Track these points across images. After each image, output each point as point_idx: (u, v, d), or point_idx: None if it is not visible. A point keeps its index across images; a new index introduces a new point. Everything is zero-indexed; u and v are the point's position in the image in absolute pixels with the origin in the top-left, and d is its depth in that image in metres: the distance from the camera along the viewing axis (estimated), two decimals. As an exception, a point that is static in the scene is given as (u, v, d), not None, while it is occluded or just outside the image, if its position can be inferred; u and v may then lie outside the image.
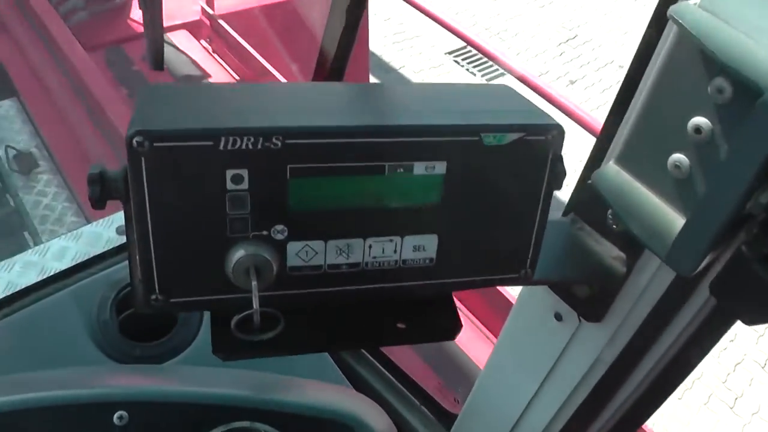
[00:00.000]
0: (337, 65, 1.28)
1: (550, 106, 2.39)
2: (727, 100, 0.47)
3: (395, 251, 0.55)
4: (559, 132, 0.55)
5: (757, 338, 3.54)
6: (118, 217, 1.32)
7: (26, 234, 2.68)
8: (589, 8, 6.03)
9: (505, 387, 1.08)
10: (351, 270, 0.54)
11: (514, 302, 1.71)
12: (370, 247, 0.54)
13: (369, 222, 0.53)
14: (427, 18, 3.10)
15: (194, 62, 3.48)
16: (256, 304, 0.47)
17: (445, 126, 0.52)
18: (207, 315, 1.12)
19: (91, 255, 1.24)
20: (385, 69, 5.05)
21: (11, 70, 3.41)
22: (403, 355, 1.55)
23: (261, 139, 0.48)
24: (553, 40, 5.63)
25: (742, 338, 3.57)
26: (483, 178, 0.55)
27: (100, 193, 0.52)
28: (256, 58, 3.38)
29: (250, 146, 0.48)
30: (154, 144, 0.47)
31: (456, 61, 5.22)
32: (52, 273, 1.21)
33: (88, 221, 1.49)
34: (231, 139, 0.48)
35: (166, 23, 1.76)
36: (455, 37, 3.03)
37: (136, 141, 0.47)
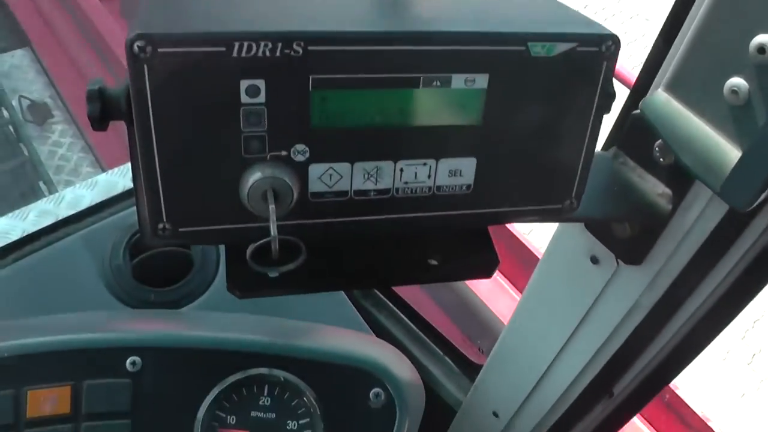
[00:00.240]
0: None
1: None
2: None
3: (429, 176, 0.49)
4: (615, 43, 0.49)
5: (776, 295, 3.48)
6: (134, 166, 1.28)
7: (41, 183, 2.65)
8: (613, -43, 5.86)
9: (534, 335, 1.03)
10: (380, 197, 0.49)
11: (538, 255, 1.67)
12: (401, 171, 0.48)
13: (401, 143, 0.47)
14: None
15: None
16: (273, 230, 0.42)
17: (488, 33, 0.46)
18: (224, 259, 1.08)
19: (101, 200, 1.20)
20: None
21: (22, 20, 3.34)
22: (421, 304, 1.51)
23: (280, 45, 0.43)
24: (577, -9, 5.47)
25: (760, 294, 3.49)
26: (528, 94, 0.49)
27: (101, 112, 0.46)
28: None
29: (268, 53, 0.43)
30: (158, 50, 0.41)
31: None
32: (67, 223, 1.17)
33: (104, 171, 1.45)
34: (246, 44, 0.42)
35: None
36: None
37: (138, 46, 0.41)
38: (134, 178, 0.49)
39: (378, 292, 1.44)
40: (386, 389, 0.80)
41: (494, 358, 1.14)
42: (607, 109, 0.53)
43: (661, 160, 0.68)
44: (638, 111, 0.66)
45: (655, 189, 0.70)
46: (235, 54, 0.42)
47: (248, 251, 0.43)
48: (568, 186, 0.54)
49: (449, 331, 1.56)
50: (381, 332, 1.33)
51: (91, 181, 1.28)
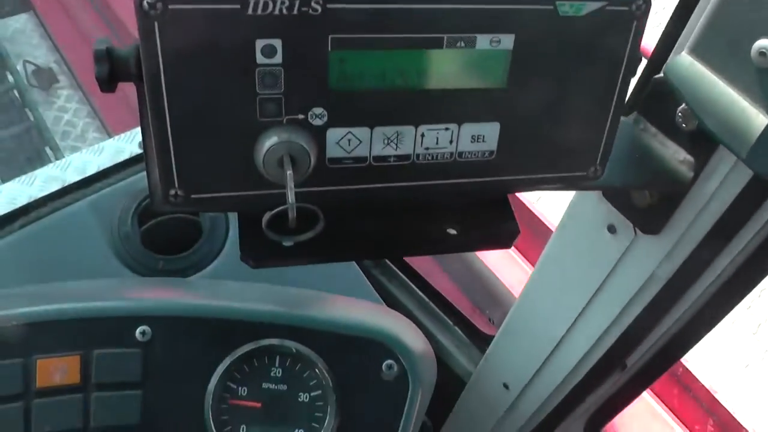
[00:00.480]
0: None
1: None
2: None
3: (451, 142, 0.47)
4: (645, 2, 0.47)
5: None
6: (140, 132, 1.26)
7: (47, 149, 2.63)
8: None
9: (547, 306, 1.02)
10: (400, 163, 0.47)
11: (546, 223, 1.64)
12: (422, 135, 0.46)
13: (422, 106, 0.45)
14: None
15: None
16: (291, 197, 0.40)
17: (515, -9, 0.44)
18: (234, 227, 1.06)
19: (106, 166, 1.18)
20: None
21: (25, -18, 3.30)
22: (430, 273, 1.49)
23: (298, 2, 0.40)
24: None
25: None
26: (554, 55, 0.46)
27: (109, 73, 0.44)
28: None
29: (285, 11, 0.40)
30: (169, 6, 0.39)
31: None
32: (71, 186, 1.15)
33: (111, 137, 1.43)
34: (262, 1, 0.40)
35: None
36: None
37: (147, 2, 0.39)
38: (144, 143, 0.48)
39: (388, 262, 1.43)
40: (399, 361, 0.79)
41: (506, 329, 1.13)
42: (632, 72, 0.51)
43: (684, 125, 0.66)
44: (660, 75, 0.64)
45: (677, 156, 0.68)
46: (250, 11, 0.40)
47: (264, 219, 0.42)
48: (593, 152, 0.52)
49: (458, 302, 1.55)
50: (391, 302, 1.32)
51: (97, 146, 1.26)
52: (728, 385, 3.14)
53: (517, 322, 1.09)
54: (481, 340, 1.32)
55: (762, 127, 0.49)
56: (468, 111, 0.47)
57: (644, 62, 0.69)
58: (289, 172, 0.40)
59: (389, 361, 0.79)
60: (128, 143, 1.27)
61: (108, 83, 0.45)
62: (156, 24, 0.39)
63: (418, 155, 0.47)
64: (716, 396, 1.84)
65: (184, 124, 0.43)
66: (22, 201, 1.11)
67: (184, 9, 0.39)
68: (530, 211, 2.12)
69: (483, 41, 0.44)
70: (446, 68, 0.44)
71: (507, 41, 0.45)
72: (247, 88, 0.42)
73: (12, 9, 3.22)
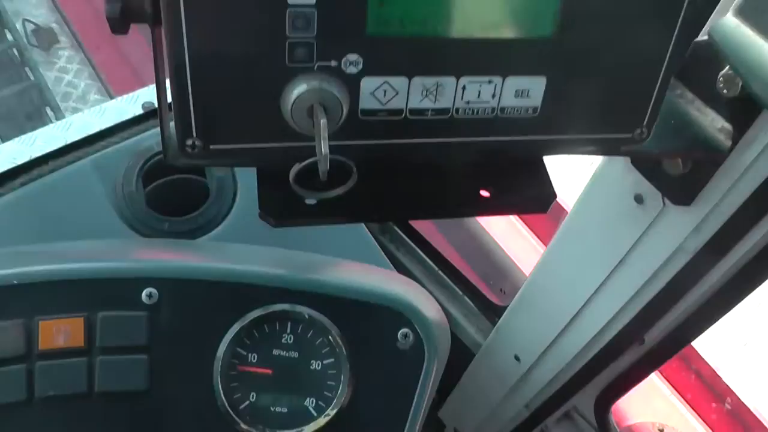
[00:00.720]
0: None
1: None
2: None
3: (493, 96, 0.43)
4: None
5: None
6: (144, 93, 1.22)
7: (48, 109, 2.58)
8: None
9: (566, 277, 0.99)
10: (438, 117, 0.43)
11: (565, 207, 1.60)
12: (463, 88, 0.43)
13: (465, 56, 0.42)
14: None
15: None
16: (324, 147, 0.36)
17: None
18: (243, 189, 1.03)
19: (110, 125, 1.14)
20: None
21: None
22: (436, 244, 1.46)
23: (335, -64, 0.37)
24: None
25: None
26: (606, 3, 0.43)
27: (121, 12, 0.40)
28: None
29: (320, -55, 0.37)
30: (194, -66, 0.35)
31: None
32: (74, 147, 1.12)
33: (113, 99, 1.39)
34: (295, -67, 0.36)
35: None
36: None
37: (169, -71, 0.35)
38: (158, 89, 0.44)
39: (396, 228, 1.39)
40: (415, 330, 0.76)
41: (520, 299, 1.10)
42: (694, 25, 0.48)
43: (725, 92, 0.63)
44: (701, 39, 0.61)
45: (715, 123, 0.65)
46: (283, -57, 0.36)
47: (291, 173, 0.38)
48: (640, 113, 0.49)
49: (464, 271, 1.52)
50: (398, 269, 1.29)
51: (100, 107, 1.23)
52: (728, 363, 3.13)
53: (533, 293, 1.06)
54: (491, 311, 1.29)
55: None
56: (513, 63, 0.43)
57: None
58: (323, 121, 0.37)
59: (405, 330, 0.76)
60: (131, 105, 1.23)
61: (120, 24, 0.41)
62: (177, -45, 0.36)
63: (457, 109, 0.44)
64: (719, 373, 1.82)
65: (205, 67, 0.39)
66: (22, 161, 1.08)
67: (209, -62, 0.36)
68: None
69: (532, -15, 0.40)
70: (492, 15, 0.41)
71: (557, -15, 0.41)
72: (277, 31, 0.38)
73: (10, -35, 3.15)
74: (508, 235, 2.13)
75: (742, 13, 0.53)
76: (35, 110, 2.57)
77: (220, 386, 0.71)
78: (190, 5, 0.37)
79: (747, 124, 0.63)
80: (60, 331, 0.70)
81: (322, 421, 0.73)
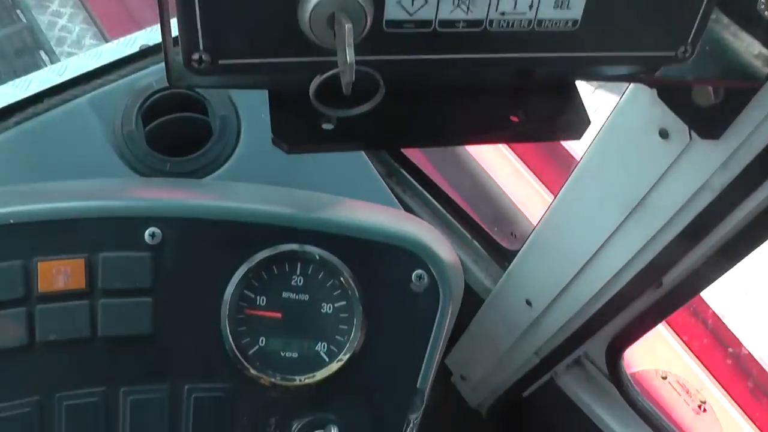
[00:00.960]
0: None
1: None
2: None
3: (531, 6, 0.39)
4: None
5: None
6: (141, 36, 1.17)
7: (41, 53, 2.52)
8: None
9: (582, 218, 0.96)
10: (470, 30, 0.39)
11: (574, 154, 1.55)
12: (498, -3, 0.38)
13: (501, -42, 0.37)
14: None
15: None
16: (350, 55, 0.32)
17: None
18: (246, 128, 0.99)
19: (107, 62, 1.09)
20: None
21: None
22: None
23: None
24: None
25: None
26: None
27: None
28: None
29: None
30: None
31: None
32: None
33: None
34: None
35: None
36: None
37: None
38: (160, 6, 0.39)
39: (403, 170, 1.35)
40: (429, 272, 0.73)
41: (533, 242, 1.07)
42: None
43: (766, 13, 0.59)
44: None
45: (751, 49, 0.61)
46: None
47: (312, 85, 0.34)
48: (686, 28, 0.45)
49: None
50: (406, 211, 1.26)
51: (96, 50, 1.18)
52: (730, 311, 3.13)
53: (547, 235, 1.03)
54: (501, 256, 1.26)
55: None
56: (553, -32, 0.39)
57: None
58: (348, 26, 0.33)
59: (419, 272, 0.73)
60: (128, 47, 1.18)
61: None
62: None
63: (491, 21, 0.39)
64: (724, 320, 1.80)
65: None
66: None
67: None
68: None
69: None
70: None
71: None
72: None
73: None
74: (514, 181, 2.09)
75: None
76: (28, 53, 2.50)
77: (228, 330, 0.68)
78: None
79: (787, 50, 0.59)
80: (60, 273, 0.67)
81: (334, 366, 0.70)
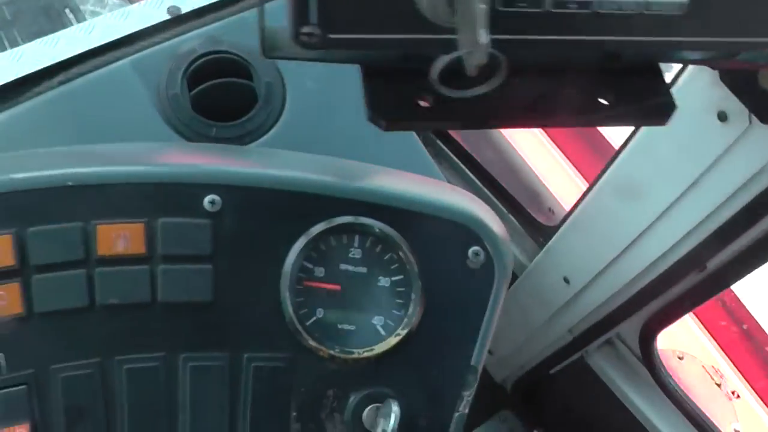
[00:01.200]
0: None
1: None
2: None
3: (643, -11, 0.38)
4: None
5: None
6: (168, -3, 1.15)
7: (67, 11, 2.49)
8: None
9: (630, 198, 0.95)
10: (580, 12, 0.38)
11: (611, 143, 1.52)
12: (612, -23, 0.38)
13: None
14: None
15: None
16: (484, 37, 0.31)
17: None
18: (291, 95, 0.98)
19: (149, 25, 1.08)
20: None
21: None
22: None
23: None
24: None
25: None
26: None
27: None
28: None
29: None
30: None
31: None
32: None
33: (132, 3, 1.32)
34: None
35: None
36: None
37: None
38: None
39: (439, 141, 1.35)
40: (485, 249, 0.73)
41: (576, 219, 1.06)
42: None
43: None
44: None
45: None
46: None
47: (435, 67, 0.34)
48: None
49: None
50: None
51: (123, 11, 1.16)
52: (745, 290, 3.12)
53: (591, 213, 1.03)
54: (536, 231, 1.26)
55: None
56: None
57: None
58: (483, 6, 0.32)
59: (476, 248, 0.72)
60: (155, 9, 1.16)
61: None
62: None
63: (601, 3, 0.38)
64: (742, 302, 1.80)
65: None
66: (46, 62, 1.02)
67: None
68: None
69: None
70: None
71: None
72: None
73: None
74: (547, 162, 2.06)
75: None
76: (54, 11, 2.48)
77: (288, 301, 0.68)
78: None
79: None
80: (119, 237, 0.67)
81: (392, 340, 0.70)
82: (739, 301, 1.77)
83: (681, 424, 1.15)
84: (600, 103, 0.46)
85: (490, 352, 1.46)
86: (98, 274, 0.67)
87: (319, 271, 0.70)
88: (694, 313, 1.65)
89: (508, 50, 0.38)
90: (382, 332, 0.70)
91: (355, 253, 0.71)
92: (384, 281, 0.71)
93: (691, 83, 0.79)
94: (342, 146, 0.93)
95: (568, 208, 1.41)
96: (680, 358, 1.59)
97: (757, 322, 1.75)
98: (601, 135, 1.64)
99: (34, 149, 0.85)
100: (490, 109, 0.43)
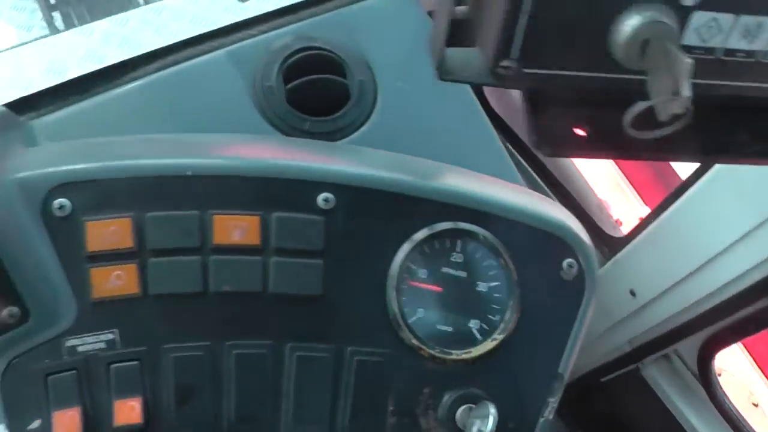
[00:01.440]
0: None
1: None
2: None
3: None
4: None
5: None
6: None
7: (133, -12, 2.52)
8: None
9: (713, 216, 0.96)
10: (745, 60, 0.40)
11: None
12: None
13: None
14: None
15: None
16: (687, 89, 0.34)
17: None
18: (381, 94, 1.00)
19: (246, 17, 1.10)
20: None
21: None
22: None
23: None
24: None
25: None
26: None
27: None
28: None
29: None
30: None
31: None
32: (169, 34, 1.08)
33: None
34: None
35: None
36: None
37: None
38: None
39: (509, 145, 1.36)
40: (578, 262, 0.75)
41: (650, 234, 1.08)
42: None
43: None
44: None
45: None
46: None
47: (631, 113, 0.36)
48: None
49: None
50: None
51: (189, -8, 1.18)
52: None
53: (667, 229, 1.04)
54: (602, 241, 1.27)
55: None
56: None
57: None
58: (689, 61, 0.34)
59: (570, 260, 0.75)
60: (220, -8, 1.18)
61: None
62: None
63: (765, 53, 0.41)
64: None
65: None
66: (116, 39, 1.05)
67: None
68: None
69: None
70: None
71: None
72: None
73: None
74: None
75: None
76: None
77: (394, 298, 0.71)
78: None
79: None
80: (236, 227, 0.70)
81: (489, 344, 0.73)
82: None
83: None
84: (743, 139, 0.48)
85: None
86: (212, 262, 0.70)
87: (423, 273, 0.73)
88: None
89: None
90: (478, 336, 0.73)
91: (457, 257, 0.73)
92: (482, 286, 0.74)
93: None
94: (428, 148, 0.95)
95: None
96: (718, 375, 1.60)
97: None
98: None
99: (140, 135, 0.88)
100: (645, 142, 0.45)
